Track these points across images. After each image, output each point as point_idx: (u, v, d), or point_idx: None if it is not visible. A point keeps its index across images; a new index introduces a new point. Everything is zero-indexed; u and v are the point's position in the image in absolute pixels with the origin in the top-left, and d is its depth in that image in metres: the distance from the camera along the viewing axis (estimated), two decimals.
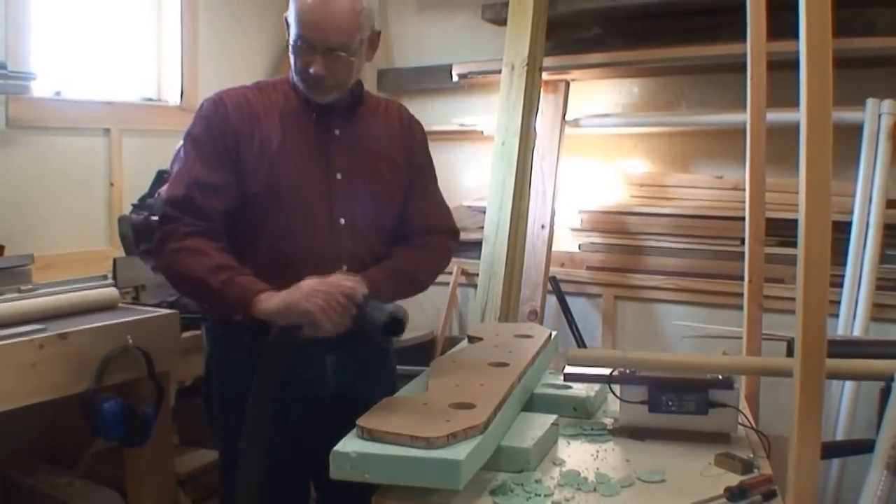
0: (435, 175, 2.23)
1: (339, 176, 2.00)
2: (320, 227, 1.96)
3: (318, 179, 1.98)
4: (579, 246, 3.79)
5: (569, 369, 1.92)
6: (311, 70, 1.88)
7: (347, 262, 1.96)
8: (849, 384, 2.94)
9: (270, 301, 1.76)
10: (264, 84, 2.05)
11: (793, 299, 3.06)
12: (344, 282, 1.79)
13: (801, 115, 1.19)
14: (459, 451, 1.38)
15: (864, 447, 2.22)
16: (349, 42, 1.88)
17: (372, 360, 2.08)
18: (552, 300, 3.70)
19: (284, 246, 1.93)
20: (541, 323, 3.44)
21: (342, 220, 1.98)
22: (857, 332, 2.99)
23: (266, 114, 1.96)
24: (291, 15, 1.88)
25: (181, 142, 2.03)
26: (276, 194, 1.93)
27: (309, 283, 1.77)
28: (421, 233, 2.12)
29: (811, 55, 1.16)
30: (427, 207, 2.16)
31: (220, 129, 1.92)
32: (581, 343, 3.62)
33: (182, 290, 2.00)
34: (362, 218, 2.02)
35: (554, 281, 3.70)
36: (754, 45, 2.27)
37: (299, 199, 1.95)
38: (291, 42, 1.89)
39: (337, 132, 2.02)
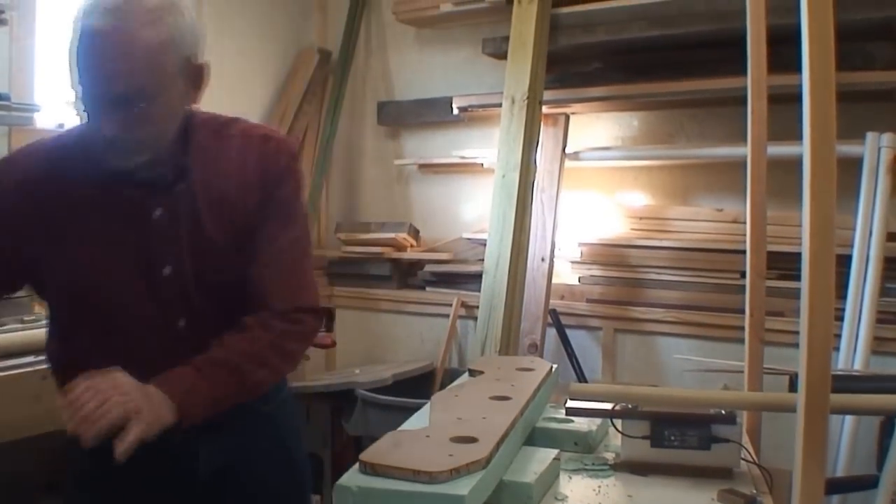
0: (299, 233, 1.74)
1: (167, 270, 1.58)
2: (149, 337, 1.59)
3: (138, 280, 1.57)
4: (579, 279, 3.78)
5: (571, 403, 1.91)
6: (104, 132, 1.46)
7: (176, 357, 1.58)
8: (849, 418, 2.92)
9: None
10: (66, 143, 1.60)
11: (793, 332, 3.06)
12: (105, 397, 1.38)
13: (804, 150, 1.19)
14: (462, 486, 1.37)
15: (867, 483, 2.22)
16: (144, 86, 1.44)
17: (251, 432, 1.75)
18: (552, 333, 3.69)
19: (107, 356, 1.50)
20: (541, 356, 3.43)
21: (181, 323, 1.61)
22: (858, 366, 2.98)
23: (61, 193, 1.52)
24: (72, 73, 1.51)
25: None
26: (80, 304, 1.56)
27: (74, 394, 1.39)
28: (259, 307, 1.65)
29: (815, 90, 1.16)
30: (272, 275, 1.67)
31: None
32: (581, 376, 3.61)
33: None
34: (212, 315, 1.62)
35: (554, 314, 3.69)
36: (754, 78, 2.28)
37: (112, 306, 1.56)
38: (79, 104, 1.50)
39: (157, 212, 1.56)
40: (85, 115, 1.49)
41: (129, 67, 1.42)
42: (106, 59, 1.43)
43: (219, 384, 1.54)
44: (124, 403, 1.38)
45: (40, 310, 2.65)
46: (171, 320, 1.60)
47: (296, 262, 1.72)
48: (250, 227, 1.64)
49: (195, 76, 1.55)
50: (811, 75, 1.17)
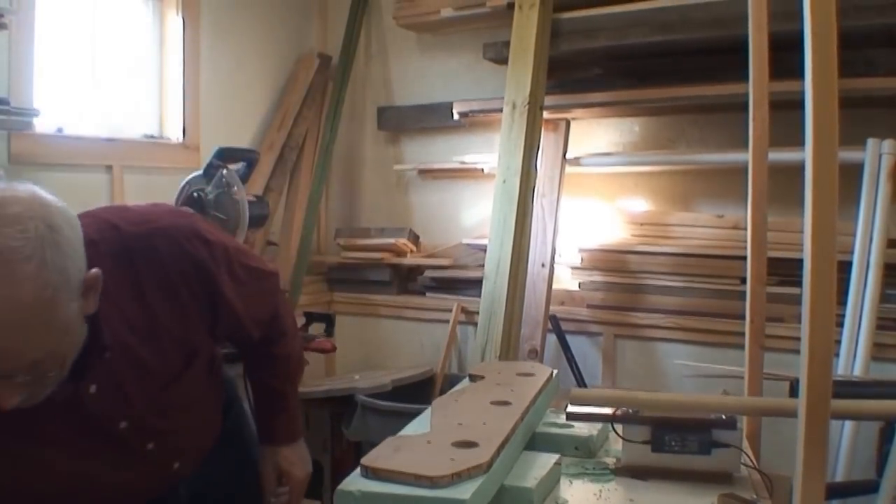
0: (247, 281, 1.72)
1: (122, 425, 1.52)
2: (116, 468, 1.55)
3: (94, 449, 1.50)
4: (579, 284, 3.79)
5: (571, 408, 1.92)
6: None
7: (178, 461, 1.69)
8: (849, 424, 2.93)
9: None
10: None
11: (793, 338, 3.06)
12: None
13: (806, 157, 1.19)
14: (464, 491, 1.37)
15: (867, 488, 2.22)
16: (41, 358, 1.25)
17: (217, 457, 1.83)
18: (552, 339, 3.69)
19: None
20: (541, 362, 3.43)
21: (150, 446, 1.60)
22: (858, 372, 2.98)
23: None
24: None
25: None
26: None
27: None
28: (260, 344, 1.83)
29: (817, 96, 1.16)
30: (248, 323, 1.75)
31: None
32: (581, 382, 3.61)
33: None
34: (182, 424, 1.66)
35: (554, 319, 3.69)
36: (756, 85, 2.29)
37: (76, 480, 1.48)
38: None
39: (93, 388, 1.45)
40: None
41: (23, 347, 1.21)
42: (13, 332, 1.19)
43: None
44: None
45: None
46: (139, 449, 1.57)
47: (250, 296, 1.72)
48: (199, 323, 1.62)
49: (87, 292, 1.32)
50: (814, 82, 1.17)
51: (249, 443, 1.94)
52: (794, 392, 2.00)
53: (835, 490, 2.63)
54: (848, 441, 2.95)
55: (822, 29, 1.17)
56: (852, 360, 3.02)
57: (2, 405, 1.22)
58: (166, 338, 1.55)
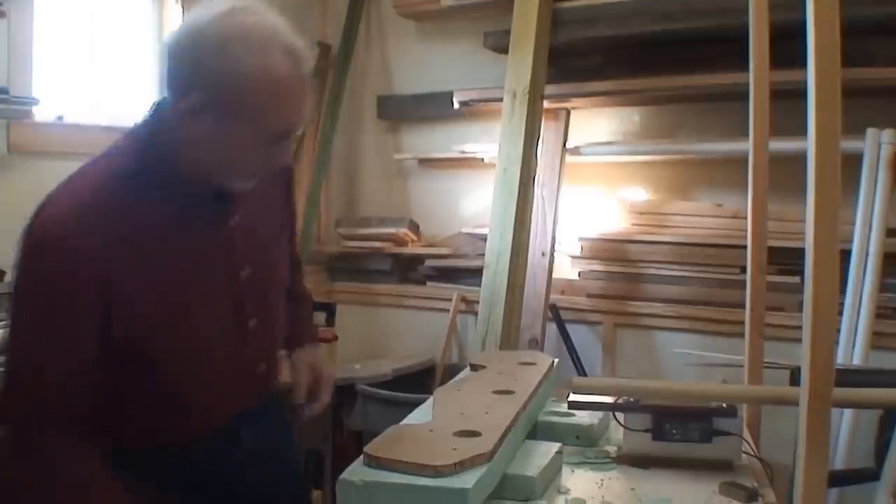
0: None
1: (245, 272, 1.59)
2: (233, 342, 1.60)
3: (223, 292, 1.57)
4: (579, 273, 3.79)
5: (573, 397, 1.92)
6: (283, 163, 1.54)
7: (269, 355, 1.74)
8: (848, 412, 2.93)
9: None
10: (111, 181, 1.43)
11: (792, 327, 3.07)
12: None
13: (809, 146, 1.19)
14: (467, 480, 1.38)
15: (867, 476, 2.23)
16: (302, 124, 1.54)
17: (272, 413, 1.84)
18: (552, 328, 3.70)
19: (187, 384, 1.54)
20: (541, 351, 3.44)
21: (254, 321, 1.63)
22: (857, 361, 2.99)
23: (139, 238, 1.42)
24: (263, 105, 1.40)
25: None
26: (174, 344, 1.49)
27: None
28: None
29: (820, 85, 1.16)
30: (295, 271, 1.91)
31: (70, 289, 1.36)
32: (581, 371, 3.62)
33: None
34: (274, 312, 1.72)
35: (554, 309, 3.70)
36: (757, 74, 2.28)
37: (203, 334, 1.54)
38: (256, 139, 1.43)
39: (236, 219, 1.57)
40: (261, 152, 1.46)
41: (307, 104, 1.47)
42: (301, 98, 1.44)
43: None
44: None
45: None
46: (244, 321, 1.61)
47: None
48: (282, 221, 1.77)
49: None
50: (817, 72, 1.17)
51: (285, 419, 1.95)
52: (795, 381, 2.01)
53: (835, 478, 2.64)
54: (847, 429, 2.96)
55: (825, 18, 1.17)
56: (851, 349, 3.02)
57: (286, 161, 1.53)
58: (270, 211, 1.71)
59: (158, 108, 1.49)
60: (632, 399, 1.85)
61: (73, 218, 1.37)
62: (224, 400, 1.62)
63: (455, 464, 1.41)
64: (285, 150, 1.50)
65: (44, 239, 1.37)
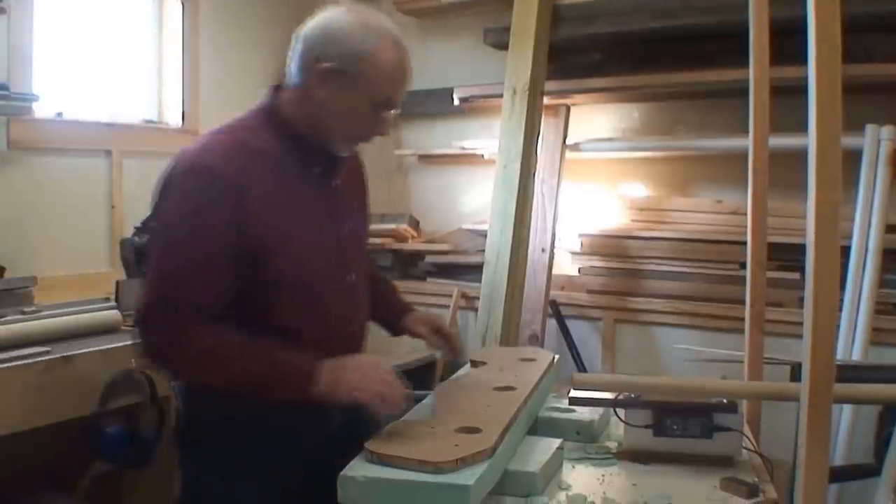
0: None
1: (345, 231, 1.86)
2: (337, 299, 1.83)
3: (329, 241, 1.82)
4: (579, 269, 3.79)
5: (574, 393, 1.92)
6: (384, 132, 1.81)
7: (363, 314, 1.94)
8: (847, 408, 2.94)
9: (323, 389, 1.62)
10: (240, 137, 1.73)
11: (792, 323, 3.07)
12: (388, 379, 1.66)
13: (810, 142, 1.20)
14: (468, 476, 1.38)
15: (868, 471, 2.23)
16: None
17: None
18: (552, 324, 3.70)
19: (307, 331, 1.74)
20: (541, 346, 3.44)
21: (352, 277, 1.86)
22: (857, 356, 2.99)
23: (271, 180, 1.71)
24: (374, 78, 1.70)
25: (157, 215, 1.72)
26: (291, 269, 1.73)
27: (357, 374, 1.65)
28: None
29: (821, 81, 1.17)
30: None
31: (223, 210, 1.64)
32: (581, 366, 3.62)
33: (207, 382, 1.70)
34: (364, 267, 1.95)
35: (554, 304, 3.70)
36: (757, 70, 2.28)
37: (314, 267, 1.77)
38: (366, 106, 1.73)
39: (337, 182, 1.86)
40: (368, 119, 1.76)
41: (406, 87, 1.78)
42: (402, 79, 1.76)
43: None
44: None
45: (40, 301, 2.66)
46: (344, 275, 1.84)
47: None
48: (364, 209, 2.03)
49: None
50: (818, 69, 1.17)
51: None
52: (795, 377, 2.01)
53: (836, 474, 2.64)
54: (847, 425, 2.96)
55: (826, 15, 1.18)
56: (851, 345, 3.03)
57: (384, 131, 1.80)
58: (356, 193, 1.99)
59: (277, 89, 1.79)
60: (632, 395, 1.86)
61: (215, 150, 1.68)
62: (325, 347, 1.71)
63: (457, 460, 1.42)
64: (385, 121, 1.78)
65: (191, 164, 1.66)
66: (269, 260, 1.68)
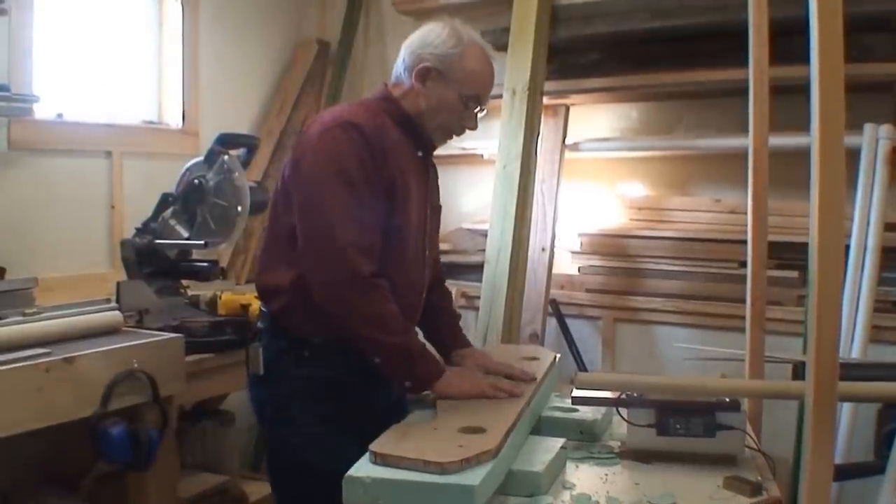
0: None
1: (429, 212, 2.18)
2: (416, 260, 2.12)
3: (422, 215, 2.14)
4: (579, 269, 3.80)
5: (577, 393, 1.93)
6: (470, 126, 2.14)
7: (425, 289, 2.21)
8: (847, 406, 2.95)
9: (450, 388, 1.90)
10: (373, 113, 2.05)
11: (791, 321, 3.07)
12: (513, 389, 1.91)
13: (812, 141, 1.20)
14: (474, 477, 1.39)
15: (872, 469, 2.23)
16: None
17: None
18: (552, 323, 3.71)
19: (392, 274, 1.99)
20: (541, 345, 3.44)
21: (427, 253, 2.18)
22: (856, 355, 3.00)
23: (396, 150, 2.03)
24: (461, 77, 2.05)
25: (316, 168, 1.98)
26: (399, 230, 2.04)
27: (479, 378, 1.95)
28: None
29: (823, 80, 1.17)
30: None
31: (374, 164, 1.95)
32: (581, 365, 3.63)
33: (372, 336, 1.93)
34: (435, 247, 2.29)
35: (554, 304, 3.71)
36: (757, 69, 2.29)
37: (411, 233, 2.08)
38: (456, 100, 2.06)
39: (430, 170, 2.21)
40: (452, 112, 2.09)
41: (491, 86, 2.16)
42: (487, 79, 2.13)
43: None
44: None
45: (43, 302, 2.66)
46: (424, 248, 2.16)
47: None
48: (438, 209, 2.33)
49: None
50: (821, 68, 1.18)
51: None
52: (797, 375, 2.02)
53: (840, 472, 2.65)
54: (847, 423, 2.97)
55: (829, 14, 1.18)
56: (850, 343, 3.04)
57: (473, 125, 2.14)
58: (435, 189, 2.28)
59: (385, 86, 2.13)
60: (635, 394, 1.86)
61: (353, 112, 2.02)
62: (407, 296, 2.08)
63: (461, 460, 1.43)
64: (472, 116, 2.12)
65: (334, 123, 1.97)
66: (395, 206, 2.01)
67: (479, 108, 2.12)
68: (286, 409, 2.04)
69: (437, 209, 2.29)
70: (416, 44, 2.10)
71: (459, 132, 2.17)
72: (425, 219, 2.16)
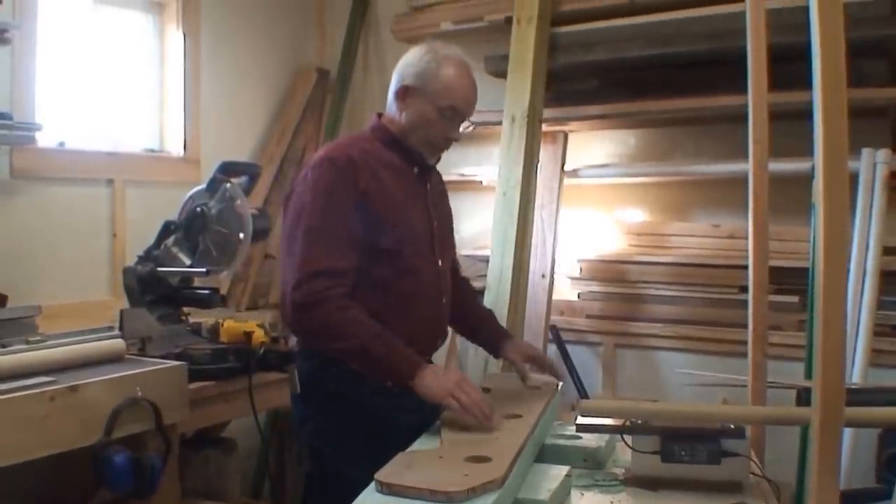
0: None
1: (435, 224, 2.26)
2: (429, 271, 2.21)
3: (425, 228, 2.23)
4: (578, 295, 3.81)
5: (581, 420, 1.93)
6: (453, 137, 2.19)
7: (446, 297, 2.29)
8: (847, 431, 2.94)
9: (423, 384, 1.95)
10: (359, 143, 2.19)
11: (792, 346, 3.07)
12: (483, 406, 1.90)
13: (816, 165, 1.21)
14: None
15: (878, 495, 2.23)
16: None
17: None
18: (552, 349, 3.71)
19: (404, 286, 2.13)
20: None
21: (440, 262, 2.26)
22: (856, 379, 3.00)
23: (383, 171, 2.13)
24: (436, 89, 2.13)
25: (299, 198, 2.10)
26: (400, 244, 2.13)
27: (454, 380, 1.95)
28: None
29: (826, 106, 1.18)
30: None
31: (349, 187, 2.06)
32: (582, 392, 3.63)
33: (334, 346, 2.04)
34: (449, 256, 2.36)
35: (554, 330, 3.71)
36: (756, 95, 2.30)
37: (415, 247, 2.18)
38: (434, 113, 2.14)
39: (430, 184, 2.28)
40: (434, 126, 2.16)
41: (472, 98, 2.21)
42: (475, 93, 2.20)
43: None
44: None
45: (45, 329, 2.66)
46: (436, 259, 2.24)
47: None
48: (450, 220, 2.45)
49: None
50: (823, 93, 1.19)
51: None
52: (801, 401, 2.01)
53: (845, 498, 2.64)
54: (848, 448, 2.97)
55: (830, 41, 1.19)
56: (851, 367, 3.04)
57: (456, 136, 2.20)
58: (444, 204, 2.38)
59: (380, 115, 2.26)
60: (639, 421, 1.86)
61: (347, 148, 2.14)
62: (425, 307, 2.21)
63: (468, 489, 1.42)
64: (455, 128, 2.18)
65: (330, 157, 2.10)
66: (381, 236, 2.08)
67: (462, 121, 2.20)
68: (322, 426, 2.17)
69: (446, 218, 2.39)
70: (399, 67, 2.22)
71: (445, 145, 2.23)
72: (432, 230, 2.24)
